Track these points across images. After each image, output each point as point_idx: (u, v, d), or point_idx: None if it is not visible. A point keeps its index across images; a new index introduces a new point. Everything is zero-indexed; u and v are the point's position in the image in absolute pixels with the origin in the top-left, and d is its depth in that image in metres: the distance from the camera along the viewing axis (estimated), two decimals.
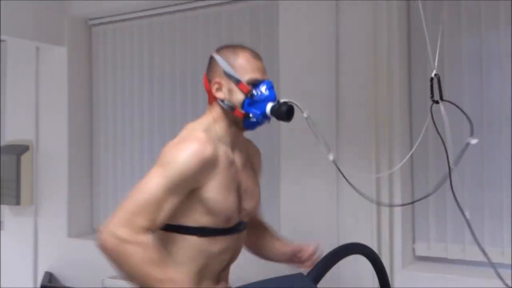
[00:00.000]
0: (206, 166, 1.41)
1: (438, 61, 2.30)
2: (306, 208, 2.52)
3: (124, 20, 3.23)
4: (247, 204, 1.58)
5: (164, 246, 1.45)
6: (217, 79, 1.51)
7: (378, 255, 1.68)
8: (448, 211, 2.42)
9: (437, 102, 1.43)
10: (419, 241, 2.48)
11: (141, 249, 1.32)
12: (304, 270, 1.60)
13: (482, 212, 2.34)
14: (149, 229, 1.35)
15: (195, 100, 3.03)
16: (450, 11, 2.38)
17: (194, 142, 1.42)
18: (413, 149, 1.54)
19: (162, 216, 1.38)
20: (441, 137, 1.41)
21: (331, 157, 1.53)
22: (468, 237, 2.38)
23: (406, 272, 2.37)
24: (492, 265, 1.35)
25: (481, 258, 2.32)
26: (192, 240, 1.46)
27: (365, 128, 2.38)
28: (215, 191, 1.44)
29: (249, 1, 2.83)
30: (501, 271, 2.21)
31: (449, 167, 1.37)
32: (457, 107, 1.41)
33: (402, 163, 1.55)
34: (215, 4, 2.94)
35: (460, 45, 2.38)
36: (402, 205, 1.54)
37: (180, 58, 3.07)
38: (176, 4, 2.99)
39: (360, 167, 2.33)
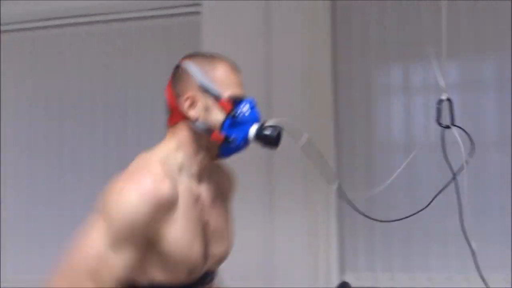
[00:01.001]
0: (162, 210, 1.11)
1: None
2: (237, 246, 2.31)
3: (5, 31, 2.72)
4: (216, 249, 1.28)
5: None
6: (190, 94, 1.21)
7: None
8: (376, 240, 2.41)
9: (448, 127, 1.37)
10: (349, 272, 2.44)
11: None
12: None
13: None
14: None
15: (97, 131, 2.65)
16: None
17: (146, 179, 1.10)
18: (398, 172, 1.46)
19: (115, 278, 1.08)
20: (448, 163, 1.35)
21: (334, 186, 1.36)
22: (396, 265, 2.40)
23: None
24: None
25: (409, 284, 2.42)
26: None
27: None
28: (174, 239, 1.14)
29: (162, 18, 2.59)
30: None
31: (458, 197, 1.32)
32: (465, 132, 1.36)
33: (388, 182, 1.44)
34: (119, 20, 2.63)
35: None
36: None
37: (75, 78, 2.67)
38: (72, 17, 2.61)
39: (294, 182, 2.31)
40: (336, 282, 2.32)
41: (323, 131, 2.34)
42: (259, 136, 1.22)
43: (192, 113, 1.21)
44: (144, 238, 1.11)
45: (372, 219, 1.44)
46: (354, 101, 2.44)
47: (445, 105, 2.31)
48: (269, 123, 1.24)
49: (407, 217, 1.42)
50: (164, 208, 1.11)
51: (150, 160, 1.18)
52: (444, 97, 1.38)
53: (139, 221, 1.07)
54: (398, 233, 2.39)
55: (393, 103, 2.42)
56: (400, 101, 2.42)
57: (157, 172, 1.13)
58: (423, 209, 1.38)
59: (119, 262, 1.08)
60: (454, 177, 1.34)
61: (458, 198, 1.35)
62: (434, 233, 2.35)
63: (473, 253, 1.34)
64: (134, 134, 2.61)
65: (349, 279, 2.42)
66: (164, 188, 1.11)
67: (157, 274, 1.16)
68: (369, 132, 2.43)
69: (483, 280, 1.32)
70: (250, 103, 1.25)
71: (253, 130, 1.23)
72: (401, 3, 2.40)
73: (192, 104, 1.21)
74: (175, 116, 1.24)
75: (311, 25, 2.35)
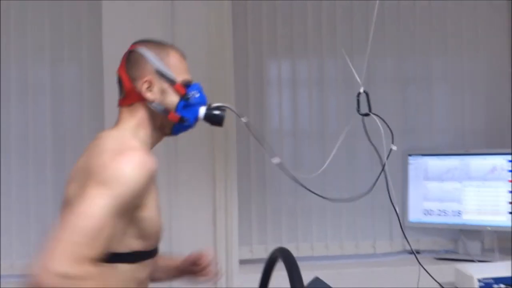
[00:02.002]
0: (150, 181, 1.25)
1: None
2: None
3: None
4: (161, 221, 1.46)
5: None
6: (147, 77, 1.37)
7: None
8: (268, 215, 2.70)
9: (366, 114, 1.59)
10: (243, 246, 2.65)
11: (94, 282, 1.12)
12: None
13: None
14: (94, 260, 1.14)
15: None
16: None
17: (136, 152, 1.24)
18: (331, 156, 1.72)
19: (106, 243, 1.18)
20: (372, 144, 1.60)
21: (275, 161, 1.54)
22: (285, 237, 2.70)
23: (242, 276, 2.51)
24: (415, 256, 1.63)
25: (296, 254, 2.72)
26: (123, 269, 1.29)
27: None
28: (151, 209, 1.29)
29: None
30: (326, 262, 2.68)
31: (386, 174, 1.57)
32: (381, 119, 1.58)
33: (324, 166, 1.67)
34: None
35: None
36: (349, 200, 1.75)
37: None
38: None
39: (200, 164, 2.48)
40: (236, 255, 2.53)
41: (226, 120, 2.52)
42: (209, 116, 1.43)
43: (149, 95, 1.36)
44: (135, 206, 1.22)
45: (324, 197, 1.65)
46: (249, 92, 2.69)
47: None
48: (214, 105, 1.45)
49: (357, 197, 1.68)
50: (152, 179, 1.25)
51: (124, 138, 1.32)
52: (361, 90, 1.59)
53: (138, 188, 1.19)
54: (285, 209, 2.71)
55: (283, 94, 2.71)
56: (288, 92, 2.72)
57: (140, 148, 1.28)
58: (368, 192, 1.64)
59: (112, 226, 1.16)
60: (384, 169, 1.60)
61: (386, 177, 1.59)
62: (316, 209, 2.71)
63: (400, 222, 1.62)
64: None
65: (244, 252, 2.65)
66: (152, 161, 1.25)
67: (134, 242, 1.28)
68: (261, 120, 2.69)
69: (408, 243, 1.65)
70: (198, 87, 1.43)
71: (202, 111, 1.42)
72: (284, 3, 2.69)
73: (149, 87, 1.36)
74: (131, 97, 1.38)
75: (214, 24, 2.50)
